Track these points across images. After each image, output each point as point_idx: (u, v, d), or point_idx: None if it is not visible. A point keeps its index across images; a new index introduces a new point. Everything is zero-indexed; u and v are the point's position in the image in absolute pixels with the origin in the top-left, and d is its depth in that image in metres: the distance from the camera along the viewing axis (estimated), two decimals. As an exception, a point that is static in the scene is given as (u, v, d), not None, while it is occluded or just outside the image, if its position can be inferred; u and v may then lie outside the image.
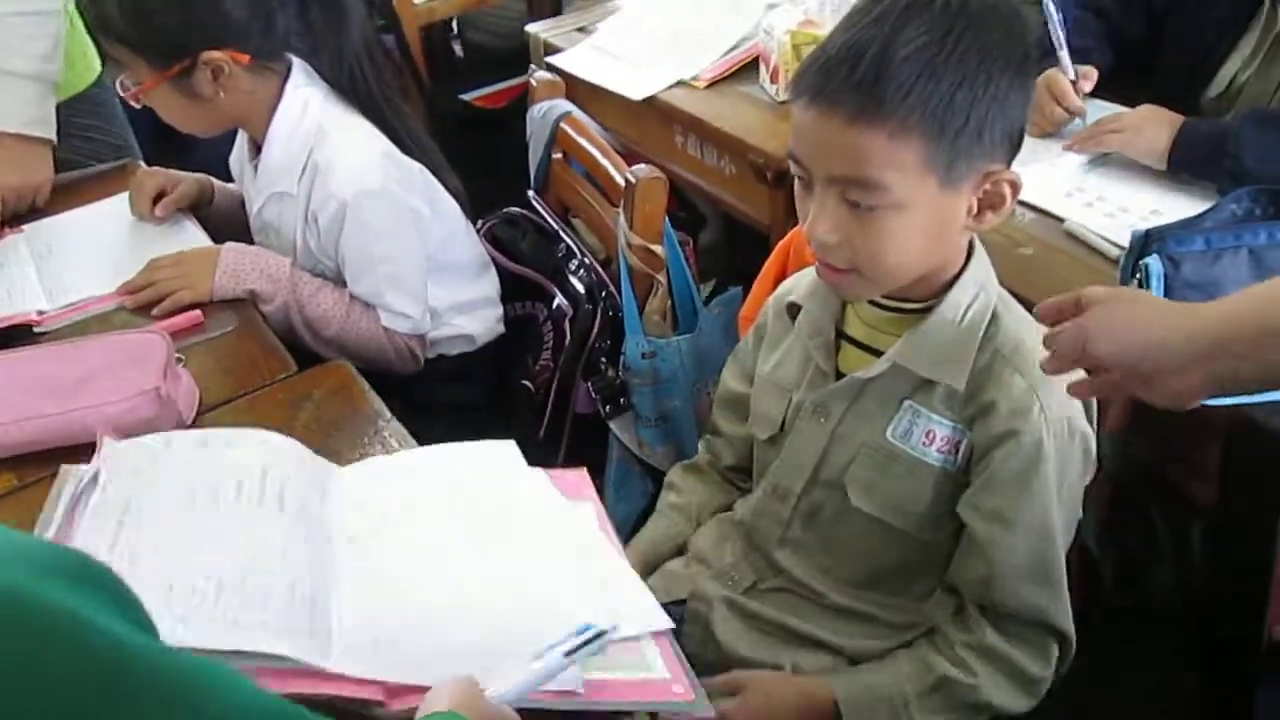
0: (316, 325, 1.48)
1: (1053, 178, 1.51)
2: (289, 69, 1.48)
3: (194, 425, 1.21)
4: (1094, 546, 1.24)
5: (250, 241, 1.56)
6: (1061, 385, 1.00)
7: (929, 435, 1.05)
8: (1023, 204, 1.46)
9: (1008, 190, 0.99)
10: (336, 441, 1.17)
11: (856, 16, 0.95)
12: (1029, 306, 1.22)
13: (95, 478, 1.01)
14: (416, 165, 1.52)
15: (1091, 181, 1.50)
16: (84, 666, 0.44)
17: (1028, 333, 1.04)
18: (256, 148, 1.53)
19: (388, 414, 1.22)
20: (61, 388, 1.17)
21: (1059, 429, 1.01)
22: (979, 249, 1.06)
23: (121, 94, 1.46)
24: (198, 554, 0.91)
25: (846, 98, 0.92)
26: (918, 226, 0.96)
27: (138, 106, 1.47)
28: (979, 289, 1.04)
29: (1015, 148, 0.99)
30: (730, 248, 2.41)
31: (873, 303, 1.07)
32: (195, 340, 1.37)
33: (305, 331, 1.48)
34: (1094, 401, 1.05)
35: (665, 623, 0.93)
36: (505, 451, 1.12)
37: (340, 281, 1.52)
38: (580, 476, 1.10)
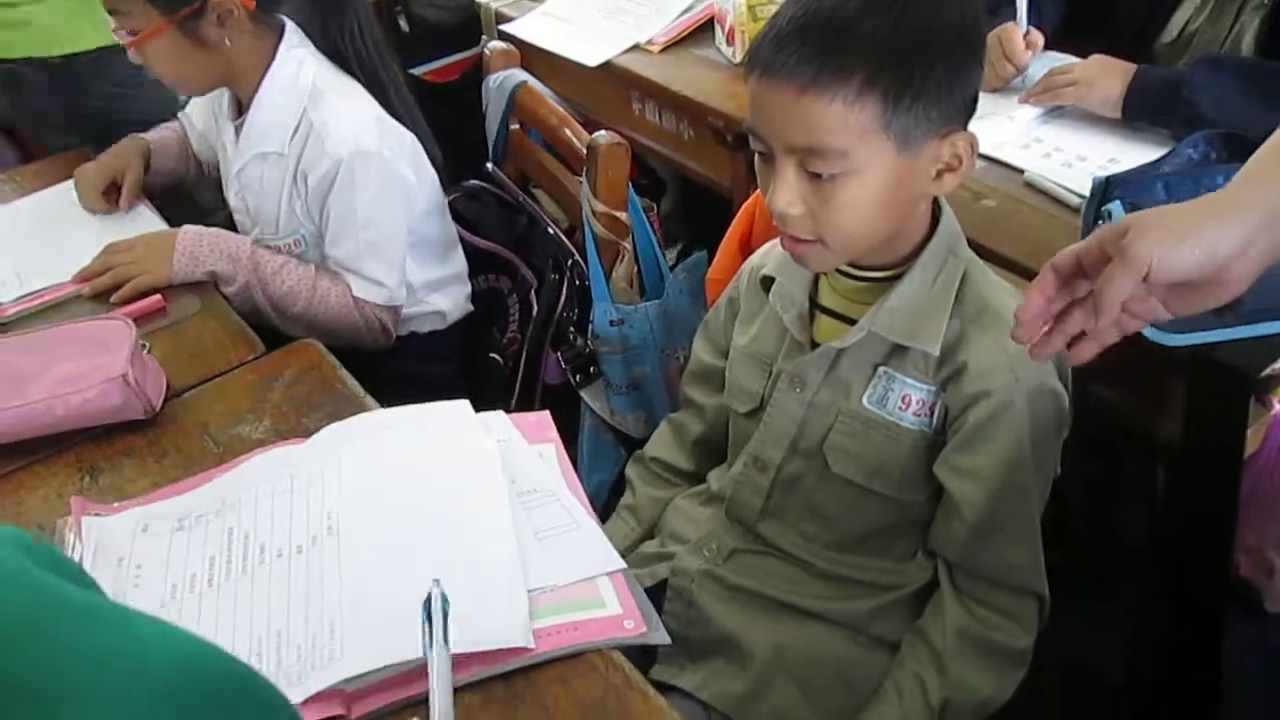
0: (282, 303, 1.46)
1: (1010, 130, 1.52)
2: (283, 29, 1.47)
3: (162, 410, 1.20)
4: (1061, 486, 1.26)
5: (201, 199, 1.54)
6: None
7: (904, 400, 1.06)
8: (982, 157, 1.46)
9: (966, 152, 0.98)
10: (311, 421, 1.16)
11: None
12: (994, 258, 1.24)
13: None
14: (408, 134, 1.51)
15: (1048, 132, 1.52)
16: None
17: (998, 294, 1.05)
18: (238, 109, 1.50)
19: (361, 391, 1.21)
20: (26, 379, 1.15)
21: (1030, 388, 1.02)
22: (946, 212, 1.06)
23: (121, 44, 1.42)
24: None
25: (801, 67, 0.92)
26: (877, 193, 0.96)
27: (137, 61, 1.43)
28: (948, 252, 1.05)
29: (971, 110, 0.99)
30: (689, 212, 2.41)
31: (843, 272, 1.08)
32: (158, 325, 1.35)
33: (270, 310, 1.46)
34: (1065, 359, 1.06)
35: (618, 564, 0.95)
36: (460, 410, 1.12)
37: (317, 248, 1.51)
38: (542, 419, 1.11)
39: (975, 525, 1.05)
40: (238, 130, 1.51)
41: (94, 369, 1.15)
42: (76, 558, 1.01)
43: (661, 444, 1.33)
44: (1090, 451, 1.32)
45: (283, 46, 1.45)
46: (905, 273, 1.04)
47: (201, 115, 1.65)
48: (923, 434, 1.06)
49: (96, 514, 1.06)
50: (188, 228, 1.46)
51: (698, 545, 1.20)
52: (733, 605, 1.16)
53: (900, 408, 1.06)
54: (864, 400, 1.08)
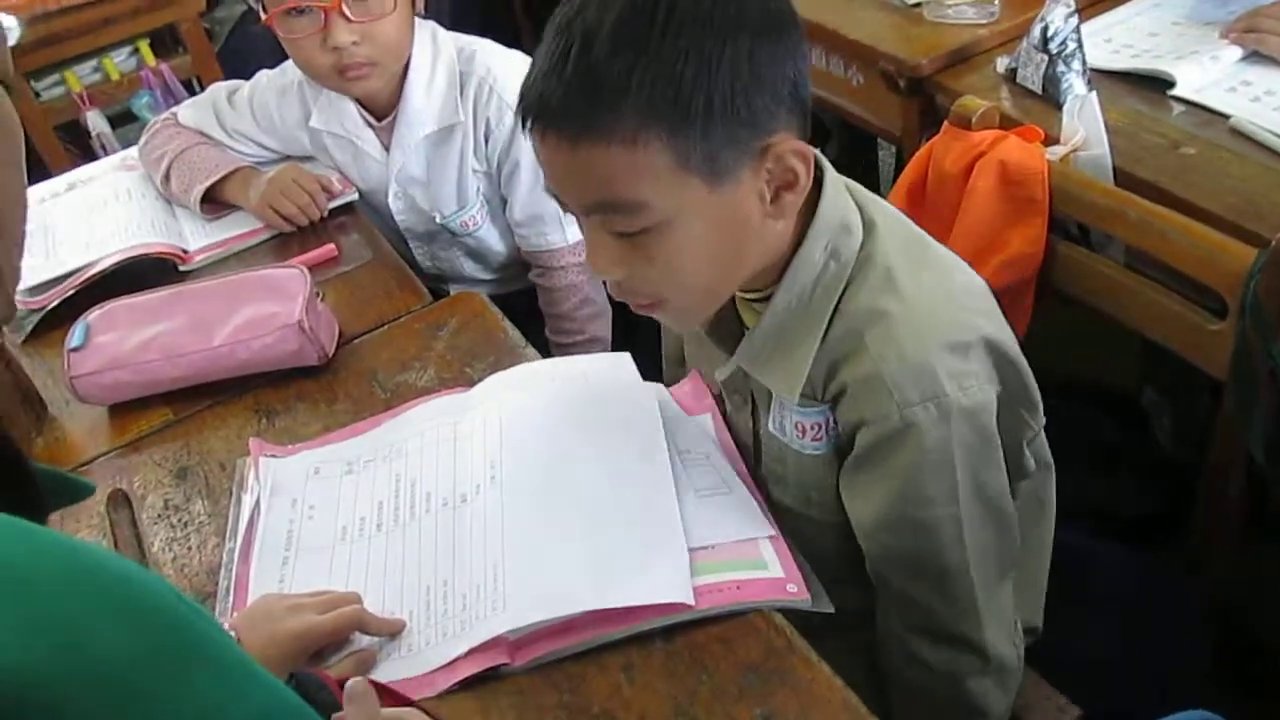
0: None
1: (1214, 71, 1.40)
2: None
3: (334, 357, 1.24)
4: (1265, 463, 1.17)
5: None
6: (930, 359, 0.84)
7: (799, 427, 0.93)
8: (1182, 101, 1.37)
9: (798, 163, 0.81)
10: (474, 370, 1.18)
11: (560, 12, 0.79)
12: (1192, 211, 1.15)
13: (258, 503, 1.05)
14: None
15: (1257, 74, 1.39)
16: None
17: (898, 297, 0.86)
18: (375, 116, 1.50)
19: (523, 341, 1.22)
20: (210, 324, 1.20)
21: (925, 415, 0.85)
22: (823, 209, 0.87)
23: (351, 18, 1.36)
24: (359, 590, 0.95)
25: (563, 117, 0.78)
26: (701, 238, 0.82)
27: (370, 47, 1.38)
28: (825, 260, 0.88)
29: (798, 108, 0.82)
30: (854, 160, 2.34)
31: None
32: (332, 274, 1.39)
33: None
34: (1004, 360, 0.89)
35: (774, 528, 0.93)
36: (622, 363, 1.12)
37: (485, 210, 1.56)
38: (698, 387, 1.09)
39: (872, 554, 0.94)
40: (380, 133, 1.50)
41: (272, 316, 1.19)
42: (254, 496, 1.05)
43: None
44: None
45: (418, 27, 1.45)
46: (773, 294, 0.89)
47: (325, 141, 1.55)
48: (836, 452, 0.93)
49: (273, 455, 1.10)
50: None
51: None
52: None
53: (798, 435, 0.94)
54: (769, 426, 0.96)
